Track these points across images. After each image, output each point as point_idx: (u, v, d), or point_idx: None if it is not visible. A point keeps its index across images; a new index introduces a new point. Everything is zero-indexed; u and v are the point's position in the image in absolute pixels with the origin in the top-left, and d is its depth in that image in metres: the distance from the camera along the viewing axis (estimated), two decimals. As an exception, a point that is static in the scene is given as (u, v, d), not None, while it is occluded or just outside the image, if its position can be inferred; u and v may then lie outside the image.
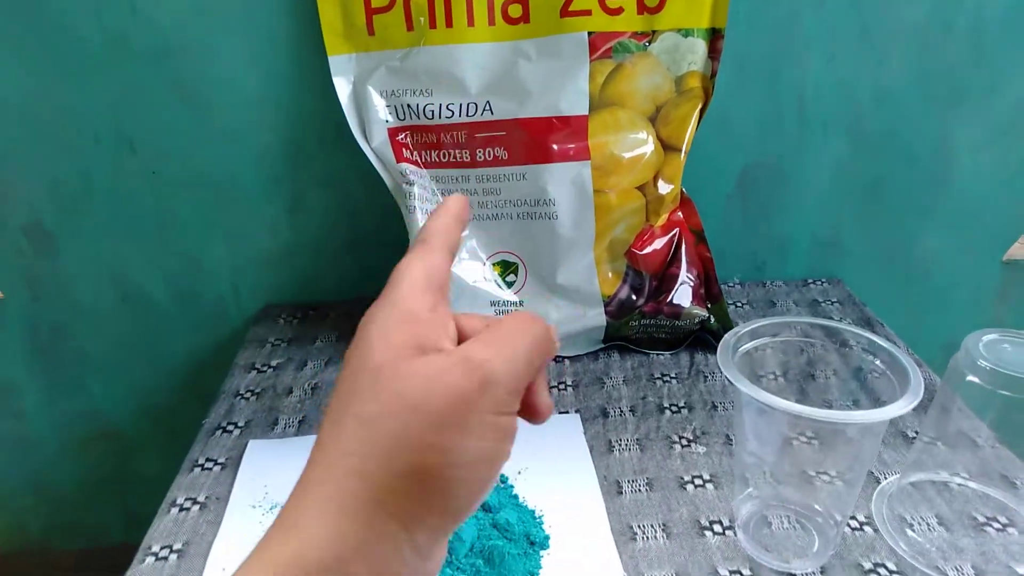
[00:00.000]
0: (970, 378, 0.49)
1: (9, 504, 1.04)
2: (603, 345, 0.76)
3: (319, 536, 0.23)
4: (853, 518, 0.55)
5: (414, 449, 0.23)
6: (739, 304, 0.83)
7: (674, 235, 0.74)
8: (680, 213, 0.75)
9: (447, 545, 0.29)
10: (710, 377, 0.71)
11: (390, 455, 0.23)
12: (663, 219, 0.73)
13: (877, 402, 0.67)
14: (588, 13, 0.67)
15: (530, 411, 0.29)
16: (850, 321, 0.79)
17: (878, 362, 0.49)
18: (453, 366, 0.25)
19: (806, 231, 0.86)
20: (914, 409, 0.66)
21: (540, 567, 0.51)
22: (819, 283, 0.87)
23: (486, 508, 0.54)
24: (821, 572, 0.51)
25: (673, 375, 0.72)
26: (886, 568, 0.51)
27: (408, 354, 0.25)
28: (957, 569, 0.51)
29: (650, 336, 0.74)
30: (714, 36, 0.69)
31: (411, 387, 0.24)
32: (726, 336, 0.50)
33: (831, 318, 0.79)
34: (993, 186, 0.84)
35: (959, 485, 0.59)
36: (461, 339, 0.30)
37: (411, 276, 0.28)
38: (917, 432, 0.64)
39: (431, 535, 0.24)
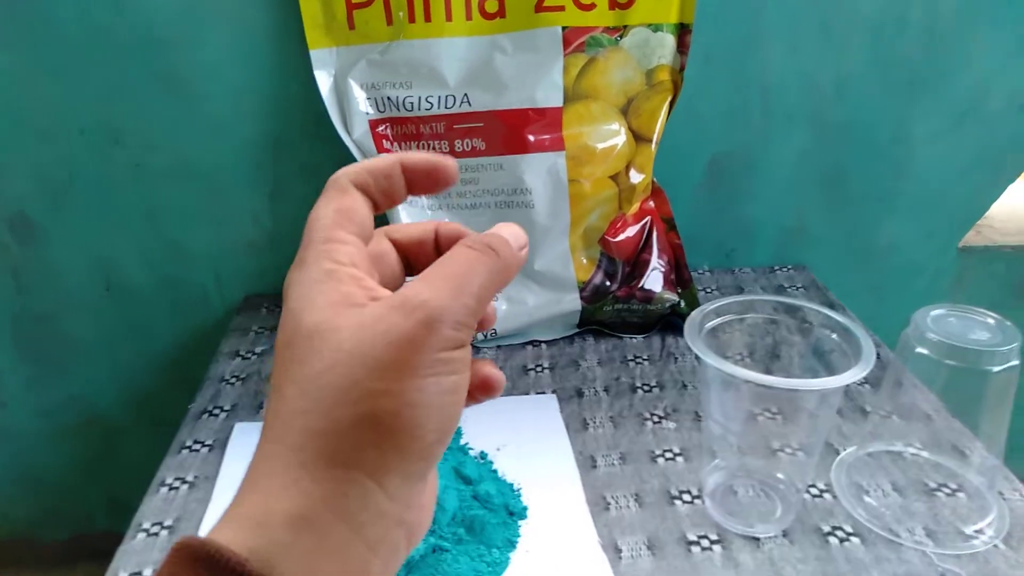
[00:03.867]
0: (919, 350, 0.52)
1: (-7, 494, 1.05)
2: (579, 329, 0.79)
3: (281, 493, 0.23)
4: (813, 486, 0.59)
5: (361, 398, 0.23)
6: (708, 290, 0.87)
7: (646, 223, 0.77)
8: (652, 202, 0.78)
9: (433, 493, 0.29)
10: (680, 358, 0.74)
11: (337, 407, 0.23)
12: (635, 208, 0.76)
13: (838, 379, 0.70)
14: (562, 9, 0.70)
15: (482, 387, 0.28)
16: (814, 304, 0.82)
17: (835, 336, 0.52)
18: (391, 310, 0.24)
19: (772, 219, 0.89)
20: (872, 385, 0.70)
21: (519, 535, 0.54)
22: (785, 269, 0.91)
23: (467, 480, 0.56)
24: (783, 535, 0.54)
25: (645, 357, 0.75)
26: (843, 531, 0.55)
27: (339, 310, 0.24)
28: (909, 531, 0.54)
29: (623, 320, 0.77)
30: (682, 31, 0.72)
31: (349, 337, 0.23)
32: (692, 314, 0.53)
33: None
34: (949, 175, 0.88)
35: (913, 455, 0.62)
36: (440, 243, 0.30)
37: (322, 224, 0.26)
38: (875, 406, 0.68)
39: (403, 480, 0.24)
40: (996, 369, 0.50)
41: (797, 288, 0.86)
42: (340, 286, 0.25)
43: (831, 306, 0.82)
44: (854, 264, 0.93)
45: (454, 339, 0.24)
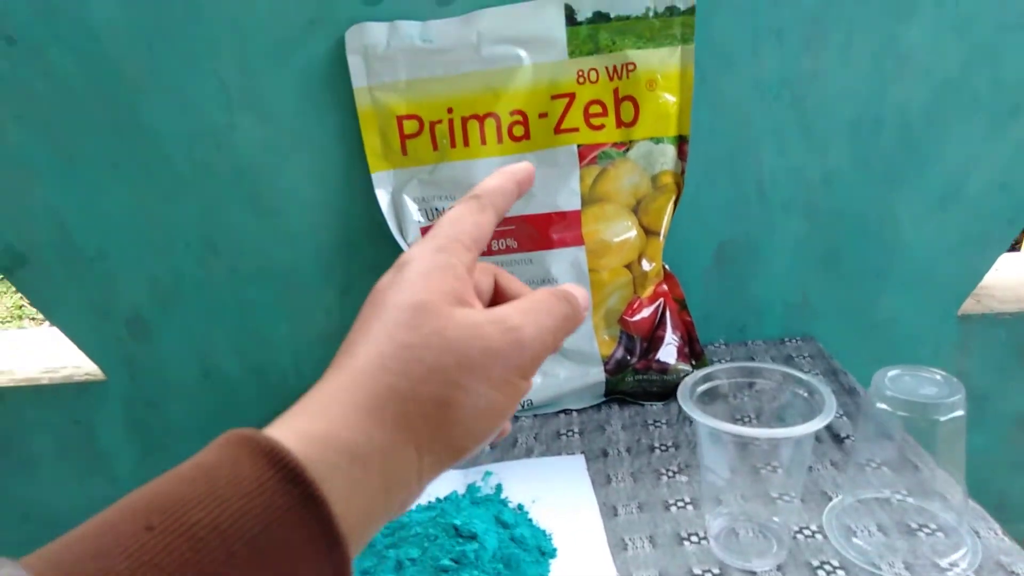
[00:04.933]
0: (879, 405, 0.62)
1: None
2: (604, 398, 0.89)
3: (348, 426, 0.25)
4: (806, 528, 0.67)
5: (444, 382, 0.27)
6: (723, 361, 0.96)
7: (659, 304, 0.88)
8: (665, 285, 0.90)
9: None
10: (695, 422, 0.84)
11: (423, 381, 0.26)
12: (649, 291, 0.88)
13: (836, 437, 0.80)
14: (576, 130, 0.84)
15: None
16: (818, 373, 0.91)
17: (804, 393, 0.62)
18: (492, 323, 0.28)
19: (778, 296, 1.00)
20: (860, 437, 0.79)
21: (549, 570, 0.64)
22: (794, 341, 1.00)
23: (505, 525, 0.67)
24: (778, 569, 0.63)
25: (664, 421, 0.85)
26: (831, 565, 0.63)
27: (448, 300, 0.28)
28: (890, 565, 0.63)
29: (644, 389, 0.88)
30: (681, 141, 0.85)
31: (451, 329, 0.27)
32: (685, 379, 0.64)
33: (802, 370, 0.92)
34: (938, 252, 0.97)
35: (899, 500, 0.71)
36: (498, 293, 0.35)
37: (458, 228, 0.31)
38: (868, 458, 0.76)
39: (433, 464, 0.28)
40: (943, 419, 0.59)
41: (804, 357, 0.96)
42: (452, 281, 0.29)
43: (834, 373, 0.91)
44: (859, 335, 1.02)
45: (527, 368, 0.29)
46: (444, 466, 0.29)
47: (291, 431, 0.25)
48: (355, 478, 0.25)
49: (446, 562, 0.62)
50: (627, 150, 0.85)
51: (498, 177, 0.34)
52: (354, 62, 0.84)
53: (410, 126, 0.85)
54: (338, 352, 0.29)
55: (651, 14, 0.81)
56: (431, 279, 0.29)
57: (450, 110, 0.84)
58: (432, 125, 0.85)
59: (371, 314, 0.29)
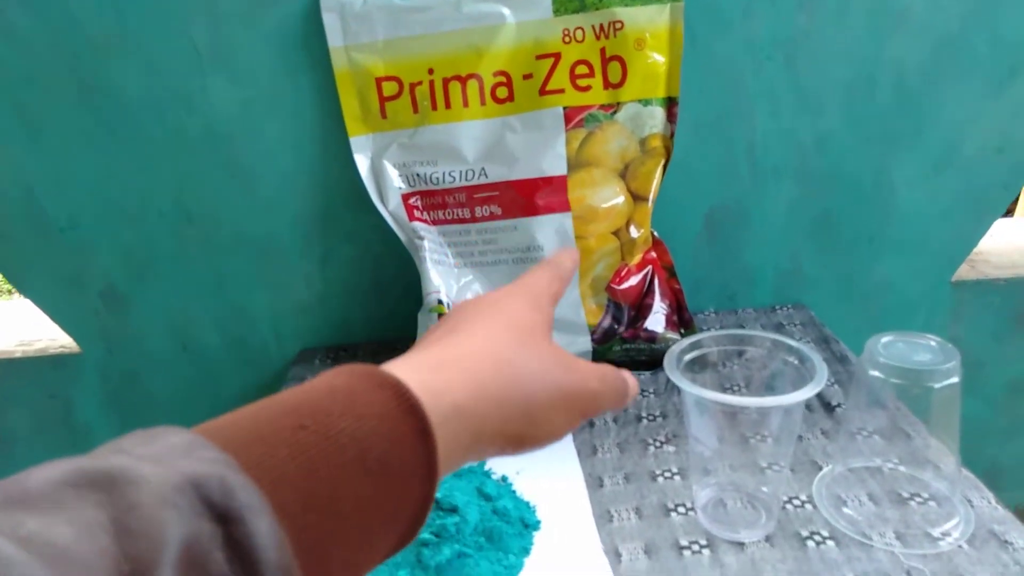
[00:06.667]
0: (872, 372, 0.60)
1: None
2: (592, 368, 0.88)
3: (464, 391, 0.32)
4: (796, 498, 0.66)
5: (540, 391, 0.34)
6: (712, 329, 0.95)
7: (647, 272, 0.86)
8: (653, 252, 0.87)
9: None
10: (682, 391, 0.82)
11: (528, 382, 0.34)
12: (637, 258, 0.86)
13: (827, 405, 0.78)
14: (562, 91, 0.81)
15: None
16: (809, 341, 0.90)
17: (795, 360, 0.61)
18: (594, 376, 0.38)
19: (769, 263, 0.98)
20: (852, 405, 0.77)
21: (532, 543, 0.62)
22: (785, 309, 0.98)
23: (487, 498, 0.65)
24: (766, 540, 0.62)
25: (651, 391, 0.83)
26: (820, 535, 0.62)
27: (550, 340, 0.38)
28: (881, 534, 0.61)
29: (632, 359, 0.86)
30: (670, 103, 0.82)
31: (558, 359, 0.36)
32: (672, 348, 0.62)
33: (793, 338, 0.90)
34: (933, 216, 0.95)
35: (890, 469, 0.69)
36: None
37: (553, 293, 0.42)
38: (860, 427, 0.75)
39: (497, 446, 0.34)
40: (937, 386, 0.58)
41: (795, 325, 0.94)
42: (548, 327, 0.40)
43: (825, 341, 0.89)
44: (851, 302, 1.00)
45: (591, 417, 0.41)
46: (501, 451, 0.35)
47: (413, 381, 0.30)
48: (453, 431, 0.31)
49: (426, 535, 0.60)
50: (615, 112, 0.82)
51: (568, 261, 0.45)
52: (329, 20, 0.81)
53: (389, 88, 0.82)
54: (450, 322, 0.37)
55: (639, -31, 0.78)
56: (541, 315, 0.39)
57: (431, 71, 0.81)
58: (412, 87, 0.82)
59: (491, 313, 0.37)
